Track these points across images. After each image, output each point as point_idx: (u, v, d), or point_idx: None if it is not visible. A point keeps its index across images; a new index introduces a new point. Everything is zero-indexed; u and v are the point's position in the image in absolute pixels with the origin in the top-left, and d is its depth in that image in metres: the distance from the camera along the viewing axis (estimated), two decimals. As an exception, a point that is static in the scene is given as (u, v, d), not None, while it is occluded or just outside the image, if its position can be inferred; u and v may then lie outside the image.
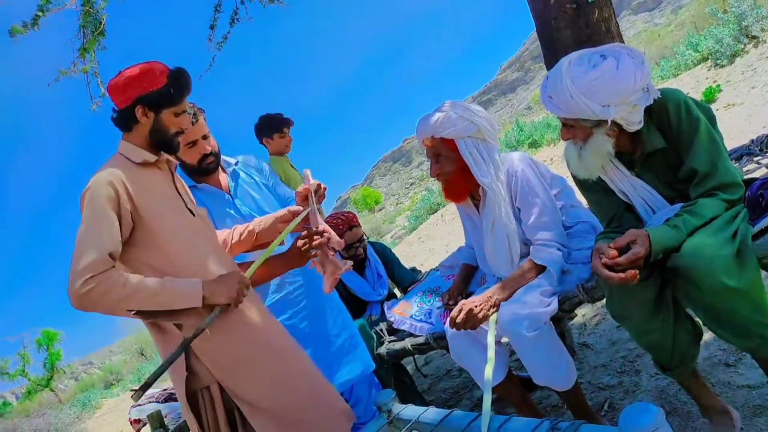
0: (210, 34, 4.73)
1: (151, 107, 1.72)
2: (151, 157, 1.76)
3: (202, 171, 2.25)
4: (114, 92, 1.73)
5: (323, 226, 2.00)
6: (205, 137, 2.21)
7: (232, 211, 2.29)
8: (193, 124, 2.09)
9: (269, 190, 2.48)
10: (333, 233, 2.02)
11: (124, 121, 1.75)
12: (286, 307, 2.33)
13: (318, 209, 2.02)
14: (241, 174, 2.40)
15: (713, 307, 1.47)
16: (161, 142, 1.78)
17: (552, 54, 3.00)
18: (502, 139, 22.16)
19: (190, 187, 2.20)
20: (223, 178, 2.36)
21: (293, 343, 1.94)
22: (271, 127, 3.96)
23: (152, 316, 1.65)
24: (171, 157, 1.87)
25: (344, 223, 3.23)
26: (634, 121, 1.66)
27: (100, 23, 4.03)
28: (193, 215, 1.84)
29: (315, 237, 1.97)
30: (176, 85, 1.73)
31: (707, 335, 2.11)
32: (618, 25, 3.04)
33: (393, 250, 3.81)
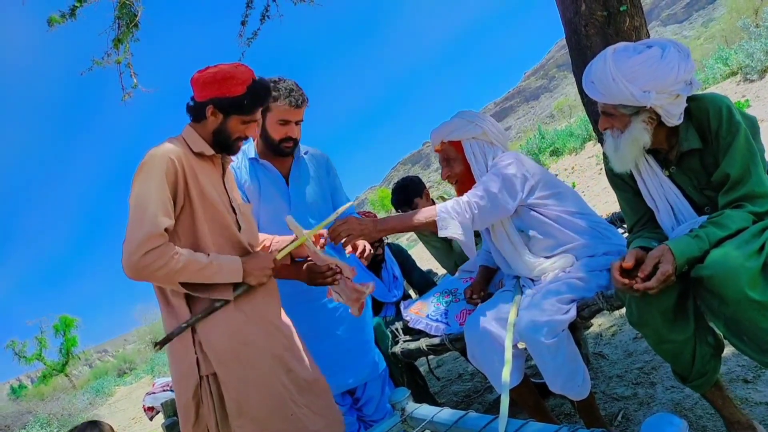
0: (241, 30, 4.79)
1: (221, 110, 1.80)
2: (209, 151, 1.84)
3: (277, 150, 2.31)
4: (194, 85, 1.81)
5: (329, 261, 2.00)
6: (297, 123, 2.29)
7: (280, 196, 2.34)
8: (299, 106, 2.23)
9: (323, 192, 2.50)
10: (342, 264, 2.01)
11: (195, 112, 1.84)
12: (308, 299, 2.34)
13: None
14: (306, 165, 2.45)
15: (735, 319, 1.45)
16: (222, 143, 1.86)
17: (581, 61, 2.98)
18: (523, 145, 22.03)
19: (250, 159, 2.34)
20: (288, 163, 2.41)
21: (298, 353, 1.93)
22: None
23: (192, 289, 1.70)
24: (228, 157, 1.95)
25: (365, 221, 3.26)
26: (674, 113, 1.65)
27: (135, 15, 4.11)
28: (235, 213, 1.90)
29: (327, 273, 2.00)
30: (252, 97, 1.80)
31: (727, 350, 2.08)
32: (649, 35, 3.01)
33: (409, 253, 3.82)
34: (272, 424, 1.76)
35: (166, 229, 1.62)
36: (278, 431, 1.77)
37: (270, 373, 1.79)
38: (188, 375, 1.73)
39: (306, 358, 1.96)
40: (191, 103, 1.84)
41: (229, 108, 1.79)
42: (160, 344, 1.72)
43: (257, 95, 1.81)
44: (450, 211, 2.04)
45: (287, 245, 1.94)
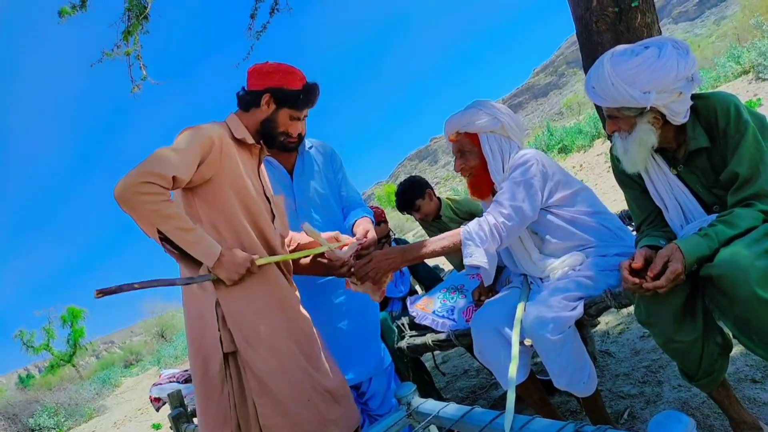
0: (250, 24, 4.80)
1: (277, 101, 1.89)
2: (249, 139, 1.90)
3: (278, 145, 2.30)
4: (253, 74, 1.90)
5: (345, 257, 2.05)
6: (302, 119, 2.29)
7: (285, 191, 2.34)
8: None
9: (330, 185, 2.49)
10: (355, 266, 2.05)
11: (247, 101, 1.92)
12: (313, 293, 2.35)
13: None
14: (312, 159, 2.44)
15: (744, 318, 1.44)
16: (266, 134, 1.94)
17: (591, 58, 2.96)
18: (531, 142, 21.95)
19: None
20: (292, 159, 2.41)
21: (316, 344, 1.96)
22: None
23: (170, 247, 1.70)
24: (265, 149, 2.01)
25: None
26: (678, 111, 1.64)
27: (145, 7, 4.11)
28: (269, 202, 1.95)
29: (341, 269, 2.06)
30: (307, 94, 1.92)
31: (735, 350, 2.08)
32: (661, 32, 2.99)
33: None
34: (292, 406, 1.77)
35: (175, 179, 1.63)
36: (296, 414, 1.78)
37: (290, 356, 1.81)
38: (212, 351, 1.75)
39: (324, 349, 1.98)
40: (242, 92, 1.93)
41: (285, 100, 1.89)
42: (102, 292, 1.55)
43: (311, 94, 1.93)
44: (474, 238, 1.98)
45: (279, 257, 1.94)
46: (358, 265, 2.03)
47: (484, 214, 2.08)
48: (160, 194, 1.58)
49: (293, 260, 2.10)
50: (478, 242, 1.98)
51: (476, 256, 1.96)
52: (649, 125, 1.68)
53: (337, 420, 1.87)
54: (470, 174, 2.23)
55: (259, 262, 1.82)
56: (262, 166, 2.03)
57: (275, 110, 1.91)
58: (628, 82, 1.62)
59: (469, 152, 2.20)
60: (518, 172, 2.05)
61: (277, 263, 1.94)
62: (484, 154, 2.16)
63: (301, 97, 1.91)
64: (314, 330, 1.98)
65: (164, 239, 1.65)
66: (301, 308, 1.98)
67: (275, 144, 1.97)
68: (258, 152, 1.98)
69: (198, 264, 1.74)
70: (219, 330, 1.74)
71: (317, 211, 2.39)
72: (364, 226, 2.24)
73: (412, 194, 3.54)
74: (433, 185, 4.12)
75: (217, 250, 1.69)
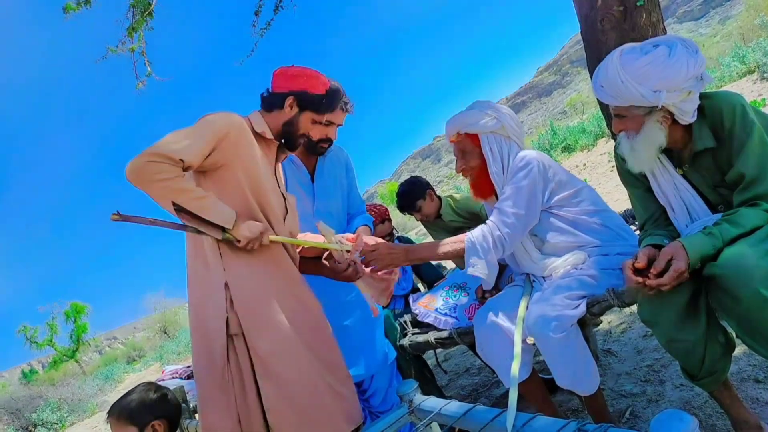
0: (254, 20, 4.79)
1: (299, 104, 1.92)
2: (269, 134, 1.93)
3: (311, 148, 2.31)
4: (279, 76, 1.93)
5: (351, 260, 2.07)
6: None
7: (304, 191, 2.36)
8: (342, 110, 2.20)
9: (342, 192, 2.53)
10: (361, 268, 2.09)
11: (271, 102, 1.94)
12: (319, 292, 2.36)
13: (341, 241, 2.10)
14: (329, 162, 2.47)
15: (748, 317, 1.44)
16: (287, 135, 1.96)
17: (596, 57, 2.95)
18: (535, 141, 21.91)
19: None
20: (314, 160, 2.44)
21: (325, 333, 1.96)
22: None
23: (188, 216, 1.71)
24: (283, 148, 2.02)
25: (377, 215, 3.28)
26: (687, 110, 1.63)
27: (150, 4, 4.12)
28: (284, 198, 1.97)
29: (349, 270, 2.07)
30: (330, 99, 1.96)
31: (738, 349, 2.07)
32: (665, 31, 2.97)
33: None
34: (296, 391, 1.77)
35: (183, 162, 1.65)
36: (301, 398, 1.77)
37: (295, 343, 1.81)
38: (216, 335, 1.75)
39: (333, 343, 1.98)
40: (266, 94, 1.96)
41: (308, 103, 1.92)
42: (119, 215, 1.63)
43: (333, 99, 1.97)
44: (478, 249, 2.02)
45: (290, 239, 1.97)
46: (364, 251, 2.07)
47: (487, 221, 2.09)
48: (169, 171, 1.61)
49: (302, 261, 2.11)
50: (481, 253, 2.02)
51: (478, 267, 2.02)
52: (659, 124, 1.67)
53: (340, 414, 1.87)
54: (471, 175, 2.23)
55: (272, 237, 1.86)
56: (279, 164, 2.05)
57: (297, 113, 1.93)
58: (638, 80, 1.61)
59: (469, 153, 2.20)
60: (520, 176, 2.06)
61: (287, 250, 1.96)
62: (484, 154, 2.16)
63: (324, 101, 1.94)
64: (325, 321, 1.99)
65: (180, 210, 1.68)
66: (312, 297, 1.98)
67: (294, 146, 1.99)
68: (276, 149, 2.00)
69: (218, 230, 1.76)
70: (227, 312, 1.75)
71: (332, 211, 2.43)
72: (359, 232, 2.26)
73: (412, 195, 3.55)
74: (436, 183, 4.14)
75: (233, 212, 1.74)
